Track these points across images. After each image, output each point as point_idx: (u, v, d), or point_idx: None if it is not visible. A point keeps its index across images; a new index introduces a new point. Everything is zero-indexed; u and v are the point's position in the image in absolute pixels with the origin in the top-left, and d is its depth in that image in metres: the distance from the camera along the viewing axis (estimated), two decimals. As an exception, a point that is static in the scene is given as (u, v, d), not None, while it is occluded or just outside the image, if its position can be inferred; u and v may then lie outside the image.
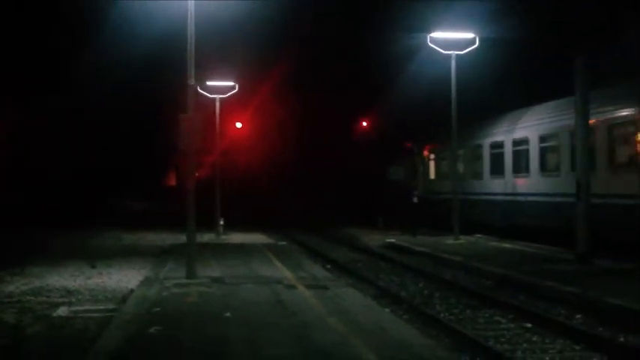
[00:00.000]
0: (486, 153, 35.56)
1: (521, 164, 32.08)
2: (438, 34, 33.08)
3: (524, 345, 13.88)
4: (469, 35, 33.10)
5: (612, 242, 23.65)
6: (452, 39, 33.20)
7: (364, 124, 75.75)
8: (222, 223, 38.05)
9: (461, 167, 37.08)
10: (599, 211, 23.73)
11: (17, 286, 19.96)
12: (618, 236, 23.71)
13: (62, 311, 15.94)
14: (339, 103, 73.85)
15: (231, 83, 38.40)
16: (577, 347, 13.56)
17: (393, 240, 34.15)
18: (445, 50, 33.30)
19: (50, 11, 56.00)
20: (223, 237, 36.68)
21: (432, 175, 43.24)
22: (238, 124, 65.55)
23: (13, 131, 59.66)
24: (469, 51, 33.33)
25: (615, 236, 23.82)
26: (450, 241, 32.32)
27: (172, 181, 76.91)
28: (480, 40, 33.09)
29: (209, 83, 37.86)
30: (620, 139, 24.88)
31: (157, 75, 60.54)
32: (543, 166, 30.31)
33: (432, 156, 43.63)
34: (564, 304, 17.13)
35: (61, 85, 61.03)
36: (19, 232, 40.05)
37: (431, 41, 33.15)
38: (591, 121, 23.97)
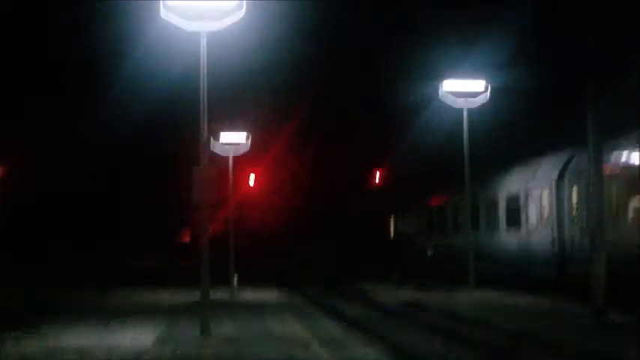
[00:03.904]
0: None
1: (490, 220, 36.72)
2: (450, 85, 33.10)
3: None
4: (480, 86, 33.09)
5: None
6: (463, 91, 33.17)
7: (377, 174, 75.74)
8: (235, 279, 37.83)
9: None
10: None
11: (31, 347, 19.84)
12: None
13: (76, 372, 15.82)
14: (354, 154, 74.03)
15: (243, 139, 38.29)
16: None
17: (407, 295, 33.86)
18: (457, 99, 33.23)
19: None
20: (237, 293, 36.48)
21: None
22: (251, 179, 65.55)
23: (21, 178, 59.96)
24: (482, 103, 33.31)
25: None
26: (465, 294, 32.02)
27: (186, 238, 76.85)
28: (492, 89, 33.11)
29: (222, 141, 37.76)
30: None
31: (168, 129, 60.87)
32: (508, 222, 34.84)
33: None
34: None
35: (67, 141, 61.33)
36: (30, 285, 39.98)
37: (442, 95, 33.16)
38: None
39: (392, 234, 55.91)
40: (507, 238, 34.88)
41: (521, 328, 21.52)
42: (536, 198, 31.74)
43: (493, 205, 36.50)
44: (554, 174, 29.94)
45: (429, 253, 38.33)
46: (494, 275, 33.16)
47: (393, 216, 55.55)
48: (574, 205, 28.25)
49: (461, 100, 33.13)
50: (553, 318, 23.09)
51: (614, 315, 22.40)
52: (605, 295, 22.78)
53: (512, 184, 34.84)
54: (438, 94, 33.26)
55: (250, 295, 36.08)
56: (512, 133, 48.26)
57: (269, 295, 35.83)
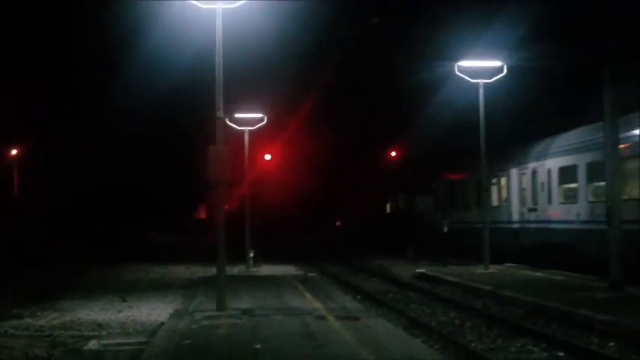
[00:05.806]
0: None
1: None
2: (465, 63, 33.02)
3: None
4: (496, 63, 32.99)
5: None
6: (479, 67, 33.11)
7: (393, 154, 75.74)
8: (252, 255, 37.94)
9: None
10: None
11: (48, 320, 20.06)
12: None
13: (93, 345, 15.99)
14: (369, 133, 74.07)
15: (259, 115, 38.32)
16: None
17: (423, 270, 33.96)
18: (473, 79, 33.23)
19: (77, 38, 56.53)
20: (253, 269, 36.62)
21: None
22: (267, 156, 65.65)
23: (34, 162, 60.19)
24: (497, 79, 33.23)
25: None
26: (480, 270, 32.10)
27: (203, 214, 77.17)
28: (508, 68, 32.97)
29: (237, 115, 37.83)
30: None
31: (185, 108, 60.94)
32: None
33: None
34: (597, 333, 16.96)
35: (88, 116, 61.40)
36: (49, 264, 40.21)
37: (459, 70, 33.09)
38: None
39: (388, 212, 58.29)
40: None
41: (538, 302, 21.56)
42: (498, 183, 37.48)
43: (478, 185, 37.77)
44: (511, 164, 35.85)
45: (445, 229, 38.35)
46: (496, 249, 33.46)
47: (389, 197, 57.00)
48: (523, 190, 34.54)
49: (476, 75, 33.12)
50: (567, 291, 23.12)
51: (632, 290, 22.47)
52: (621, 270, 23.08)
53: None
54: (455, 72, 33.16)
55: (267, 270, 36.21)
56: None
57: (285, 271, 35.93)
